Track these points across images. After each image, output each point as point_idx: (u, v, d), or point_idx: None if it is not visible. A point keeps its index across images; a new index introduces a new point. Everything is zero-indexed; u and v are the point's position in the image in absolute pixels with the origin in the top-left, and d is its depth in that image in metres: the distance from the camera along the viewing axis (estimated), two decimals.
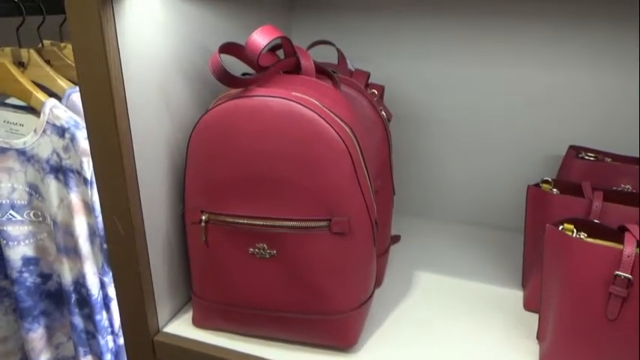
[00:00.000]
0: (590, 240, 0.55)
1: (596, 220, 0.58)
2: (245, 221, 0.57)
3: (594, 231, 0.57)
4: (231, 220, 0.58)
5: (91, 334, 0.79)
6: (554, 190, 0.68)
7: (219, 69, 0.53)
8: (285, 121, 0.53)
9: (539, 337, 0.63)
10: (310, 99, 0.55)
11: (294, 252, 0.57)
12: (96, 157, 0.56)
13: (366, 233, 0.58)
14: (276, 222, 0.56)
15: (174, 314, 0.69)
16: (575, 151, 0.76)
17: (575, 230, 0.56)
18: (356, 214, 0.56)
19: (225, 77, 0.54)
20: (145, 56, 0.56)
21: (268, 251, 0.58)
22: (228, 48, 0.56)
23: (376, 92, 0.72)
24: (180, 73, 0.63)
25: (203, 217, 0.59)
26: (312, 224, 0.56)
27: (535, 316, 0.69)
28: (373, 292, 0.64)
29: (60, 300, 0.80)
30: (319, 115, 0.53)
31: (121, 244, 0.60)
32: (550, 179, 0.68)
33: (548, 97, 0.84)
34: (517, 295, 0.74)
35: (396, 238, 0.87)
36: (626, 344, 0.52)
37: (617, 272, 0.51)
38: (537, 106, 0.85)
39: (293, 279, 0.58)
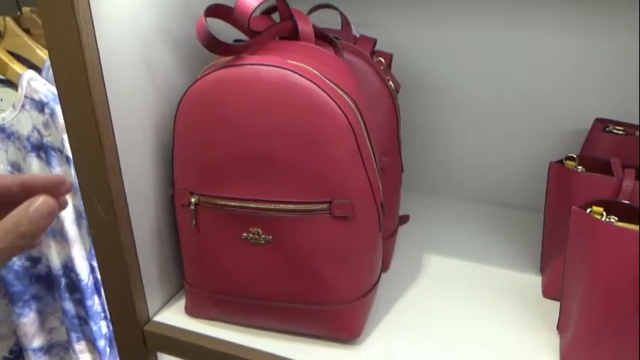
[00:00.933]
0: (621, 224, 0.49)
1: (627, 202, 0.52)
2: (237, 204, 0.52)
3: (625, 214, 0.51)
4: (222, 202, 0.53)
5: (83, 320, 0.75)
6: (579, 167, 0.61)
7: (204, 34, 0.47)
8: (279, 92, 0.47)
9: (560, 327, 0.57)
10: (308, 68, 0.49)
11: (292, 237, 0.52)
12: (71, 134, 0.51)
13: (371, 217, 0.53)
14: (271, 205, 0.51)
15: (166, 302, 0.65)
16: (601, 124, 0.69)
17: (604, 213, 0.51)
18: (359, 196, 0.51)
19: (211, 44, 0.48)
20: (123, 20, 0.50)
21: (263, 236, 0.53)
22: (216, 10, 0.50)
23: (383, 61, 0.65)
24: (166, 40, 0.57)
25: (192, 200, 0.54)
26: (311, 207, 0.50)
27: (555, 305, 0.64)
28: (379, 280, 0.59)
29: (51, 284, 0.76)
30: (318, 86, 0.47)
31: (104, 229, 0.55)
32: (574, 155, 0.62)
33: (572, 64, 0.77)
34: (535, 281, 0.69)
35: (404, 218, 0.82)
36: None
37: None
38: (560, 75, 0.78)
39: (290, 266, 0.53)
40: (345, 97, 0.49)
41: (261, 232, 0.53)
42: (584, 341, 0.52)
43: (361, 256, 0.54)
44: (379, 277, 0.59)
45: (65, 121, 0.50)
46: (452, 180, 0.92)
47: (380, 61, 0.65)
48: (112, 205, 0.53)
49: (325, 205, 0.50)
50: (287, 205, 0.51)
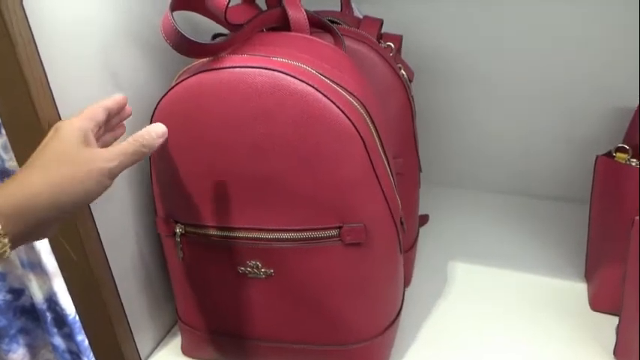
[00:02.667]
0: None
1: None
2: (230, 234, 0.44)
3: None
4: (212, 233, 0.44)
5: (76, 354, 0.69)
6: (634, 160, 0.52)
7: (171, 33, 0.38)
8: (268, 100, 0.38)
9: (619, 353, 0.49)
10: (303, 66, 0.39)
11: (296, 270, 0.43)
12: (21, 162, 0.42)
13: (390, 240, 0.44)
14: (269, 234, 0.43)
15: (161, 339, 0.57)
16: None
17: None
18: (374, 218, 0.42)
19: (181, 44, 0.38)
20: (75, 27, 0.41)
21: (263, 270, 0.44)
22: (184, 2, 0.41)
23: (392, 45, 0.55)
24: (133, 43, 0.48)
25: (178, 230, 0.45)
26: (317, 234, 0.42)
27: (607, 320, 0.55)
28: (402, 307, 0.50)
29: (38, 316, 0.69)
30: (316, 89, 0.38)
31: (76, 271, 0.47)
32: (627, 146, 0.52)
33: (606, 37, 0.66)
34: (579, 290, 0.60)
35: (423, 219, 0.73)
36: None
37: None
38: (592, 49, 0.67)
39: (298, 303, 0.45)
40: (351, 99, 0.40)
41: (260, 265, 0.44)
42: None
43: (381, 286, 0.45)
44: (402, 304, 0.50)
45: (15, 154, 0.41)
46: (473, 170, 0.82)
47: (389, 46, 0.55)
48: (82, 244, 0.45)
49: (334, 232, 0.42)
50: (288, 233, 0.42)
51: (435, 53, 0.74)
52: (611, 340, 0.52)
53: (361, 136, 0.39)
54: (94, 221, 0.45)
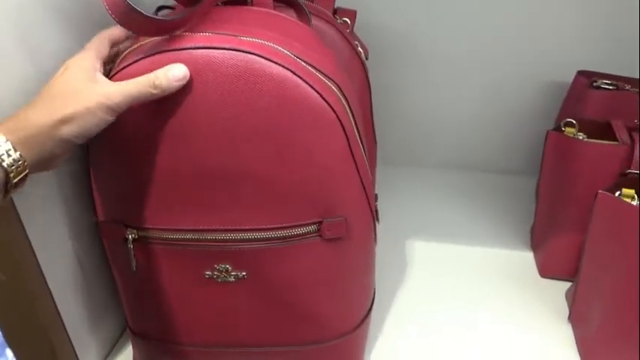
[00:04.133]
0: None
1: None
2: (195, 236, 0.39)
3: None
4: (173, 236, 0.39)
5: None
6: (580, 134, 0.54)
7: (118, 5, 0.31)
8: (240, 85, 0.34)
9: (574, 319, 0.52)
10: (275, 46, 0.35)
11: (272, 270, 0.40)
12: None
13: (367, 231, 0.42)
14: (241, 234, 0.39)
15: (108, 353, 0.51)
16: (586, 78, 0.62)
17: (635, 196, 0.43)
18: (354, 210, 0.40)
19: (131, 20, 0.32)
20: None
21: (234, 273, 0.40)
22: None
23: (349, 21, 0.52)
24: (59, 15, 0.40)
25: (130, 236, 0.40)
26: (295, 232, 0.39)
27: (555, 284, 0.58)
28: (374, 298, 0.49)
29: None
30: (293, 72, 0.34)
31: (5, 290, 0.39)
32: (574, 121, 0.54)
33: (542, 12, 0.67)
34: (526, 258, 0.62)
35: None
36: None
37: None
38: (528, 24, 0.69)
39: (273, 305, 0.42)
40: (329, 82, 0.37)
41: (230, 268, 0.40)
42: (613, 336, 0.46)
43: (358, 278, 0.44)
44: (374, 292, 0.49)
45: None
46: (421, 147, 0.82)
47: (345, 22, 0.52)
48: (11, 256, 0.38)
49: (313, 227, 0.39)
50: (263, 232, 0.38)
51: (385, 29, 0.72)
52: (562, 304, 0.55)
53: (341, 122, 0.36)
54: (23, 227, 0.38)
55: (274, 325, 0.42)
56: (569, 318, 0.52)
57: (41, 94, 0.34)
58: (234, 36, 0.34)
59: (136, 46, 0.37)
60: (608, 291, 0.44)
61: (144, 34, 0.34)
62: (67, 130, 0.32)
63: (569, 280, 0.56)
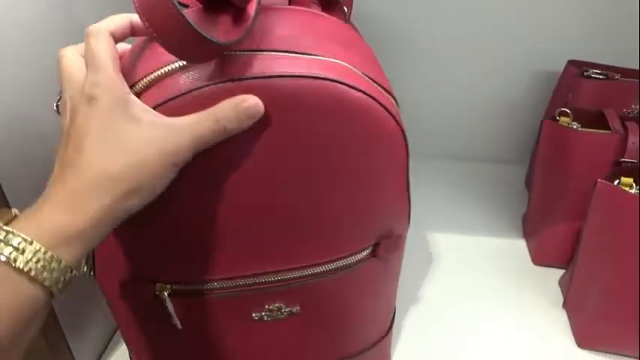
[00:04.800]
0: None
1: None
2: (246, 282, 0.34)
3: None
4: (219, 285, 0.34)
5: None
6: (574, 124, 0.55)
7: (172, 24, 0.24)
8: (328, 122, 0.29)
9: (569, 306, 0.52)
10: (347, 66, 0.31)
11: (326, 300, 0.37)
12: None
13: (404, 240, 0.40)
14: (299, 272, 0.35)
15: (104, 349, 0.50)
16: (576, 68, 0.63)
17: (634, 184, 0.44)
18: (404, 224, 0.38)
19: (191, 44, 0.25)
20: None
21: (287, 310, 0.37)
22: None
23: (346, 9, 0.51)
24: (69, 34, 0.38)
25: (164, 293, 0.34)
26: (354, 259, 0.36)
27: (550, 273, 0.59)
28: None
29: None
30: (375, 100, 0.30)
31: None
32: (568, 110, 0.55)
33: (532, 2, 0.68)
34: (519, 246, 0.63)
35: None
36: None
37: None
38: (520, 13, 0.69)
39: (322, 330, 0.39)
40: (391, 99, 0.34)
41: (284, 306, 0.36)
42: (609, 322, 0.47)
43: (393, 286, 0.43)
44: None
45: None
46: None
47: (342, 8, 0.51)
48: None
49: (369, 250, 0.37)
50: (322, 266, 0.35)
51: (376, 17, 0.71)
52: (556, 291, 0.56)
53: (405, 143, 0.34)
54: None
55: (323, 350, 0.40)
56: (564, 304, 0.53)
57: (68, 159, 0.25)
58: (309, 56, 0.29)
59: (167, 69, 0.29)
60: (606, 278, 0.45)
61: (203, 61, 0.28)
62: (128, 206, 0.25)
63: (562, 268, 0.57)
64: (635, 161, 0.50)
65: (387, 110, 0.31)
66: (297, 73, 0.28)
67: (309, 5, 0.36)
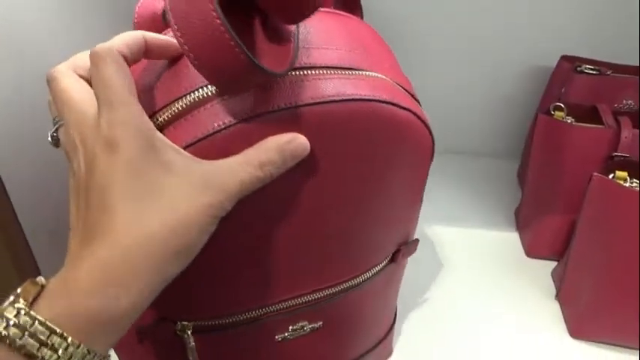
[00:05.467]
0: None
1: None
2: (273, 308, 0.33)
3: (638, 172, 0.46)
4: (243, 317, 0.32)
5: None
6: (569, 118, 0.55)
7: (223, 46, 0.21)
8: (371, 140, 0.28)
9: (563, 297, 0.53)
10: (389, 81, 0.29)
11: (347, 312, 0.37)
12: None
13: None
14: (326, 291, 0.34)
15: None
16: (570, 63, 0.63)
17: (628, 178, 0.45)
18: (416, 226, 0.38)
19: (242, 70, 0.21)
20: None
21: (310, 327, 0.36)
22: None
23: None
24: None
25: (187, 332, 0.31)
26: (376, 269, 0.36)
27: (543, 265, 0.59)
28: None
29: None
30: (415, 115, 0.29)
31: None
32: (562, 105, 0.56)
33: None
34: (512, 239, 0.64)
35: None
36: None
37: None
38: (513, 7, 0.70)
39: (338, 339, 0.39)
40: (420, 107, 0.32)
41: (307, 323, 0.35)
42: (603, 313, 0.48)
43: (400, 282, 0.43)
44: None
45: None
46: None
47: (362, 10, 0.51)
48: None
49: (389, 257, 0.37)
50: (347, 282, 0.34)
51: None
52: (548, 283, 0.57)
53: (433, 152, 0.33)
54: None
55: (333, 354, 0.40)
56: (557, 296, 0.54)
57: (92, 223, 0.21)
58: (347, 72, 0.27)
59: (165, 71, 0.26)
60: (600, 270, 0.46)
61: (239, 92, 0.24)
62: (169, 274, 0.22)
63: (554, 260, 0.58)
64: (628, 155, 0.51)
65: (425, 125, 0.30)
66: (348, 97, 0.25)
67: (330, 5, 0.33)
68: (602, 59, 0.63)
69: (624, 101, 0.62)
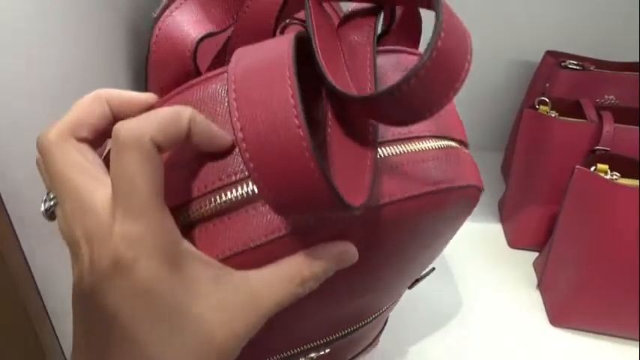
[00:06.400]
0: (632, 183, 0.45)
1: (628, 156, 0.48)
2: (290, 353, 0.31)
3: (619, 165, 0.48)
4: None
5: None
6: (553, 112, 0.57)
7: (307, 176, 0.17)
8: (445, 223, 0.27)
9: (544, 286, 0.55)
10: (465, 151, 0.30)
11: (355, 339, 0.36)
12: None
13: None
14: (351, 327, 0.33)
15: None
16: (554, 58, 0.65)
17: (608, 170, 0.46)
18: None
19: (332, 209, 0.18)
20: None
21: (317, 355, 0.33)
22: None
23: None
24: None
25: None
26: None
27: (525, 255, 0.61)
28: None
29: None
30: (478, 187, 0.29)
31: None
32: (546, 99, 0.57)
33: None
34: (496, 230, 0.66)
35: None
36: None
37: None
38: (501, 6, 0.71)
39: (342, 355, 0.38)
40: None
41: (315, 355, 0.33)
42: (581, 302, 0.49)
43: None
44: None
45: None
46: None
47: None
48: None
49: None
50: (372, 317, 0.34)
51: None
52: (530, 272, 0.59)
53: None
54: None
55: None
56: (539, 285, 0.56)
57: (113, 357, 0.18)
58: (440, 141, 0.24)
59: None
60: (580, 259, 0.48)
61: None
62: None
63: (536, 250, 0.60)
64: (610, 149, 0.52)
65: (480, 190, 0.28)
66: (444, 187, 0.23)
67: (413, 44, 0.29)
68: (586, 55, 0.65)
69: (606, 96, 0.64)
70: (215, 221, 0.20)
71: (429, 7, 0.22)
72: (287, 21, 0.25)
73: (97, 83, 0.38)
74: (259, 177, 0.16)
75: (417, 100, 0.18)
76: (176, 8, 0.24)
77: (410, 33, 0.29)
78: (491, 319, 0.53)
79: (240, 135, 0.16)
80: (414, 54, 0.27)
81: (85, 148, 0.20)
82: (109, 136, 0.19)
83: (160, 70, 0.24)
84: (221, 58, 0.26)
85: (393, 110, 0.18)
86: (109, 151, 0.22)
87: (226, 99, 0.21)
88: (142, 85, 0.27)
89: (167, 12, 0.24)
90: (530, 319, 0.53)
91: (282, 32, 0.26)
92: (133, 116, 0.19)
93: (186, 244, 0.19)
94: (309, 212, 0.18)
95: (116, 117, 0.21)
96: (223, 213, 0.20)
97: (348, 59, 0.23)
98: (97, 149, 0.21)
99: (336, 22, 0.25)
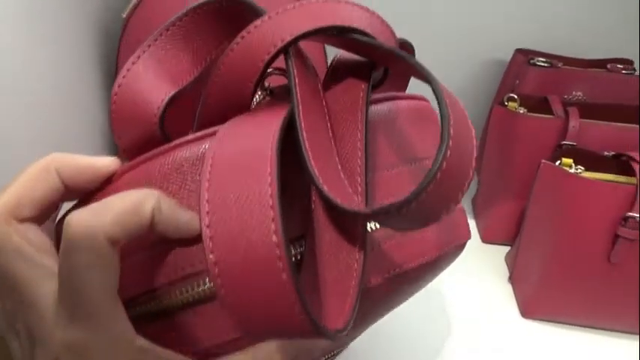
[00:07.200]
0: (595, 176, 0.46)
1: (593, 150, 0.50)
2: None
3: (584, 159, 0.49)
4: None
5: None
6: (521, 108, 0.58)
7: (285, 304, 0.15)
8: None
9: (515, 279, 0.56)
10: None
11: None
12: None
13: None
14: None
15: None
16: (524, 56, 0.66)
17: (573, 164, 0.48)
18: None
19: (309, 335, 0.16)
20: None
21: None
22: None
23: None
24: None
25: None
26: None
27: (497, 250, 0.62)
28: None
29: None
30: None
31: None
32: (515, 96, 0.58)
33: None
34: (469, 226, 0.66)
35: None
36: (625, 287, 0.47)
37: (629, 214, 0.44)
38: (473, 4, 0.72)
39: None
40: None
41: None
42: (549, 294, 0.51)
43: None
44: None
45: None
46: None
47: None
48: None
49: None
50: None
51: None
52: (502, 266, 0.60)
53: None
54: None
55: None
56: (510, 278, 0.57)
57: None
58: None
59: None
60: (547, 251, 0.49)
61: None
62: None
63: (508, 245, 0.61)
64: (575, 143, 0.53)
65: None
66: (442, 252, 0.24)
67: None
68: (555, 52, 0.66)
69: (574, 92, 0.65)
70: (179, 313, 0.19)
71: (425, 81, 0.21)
72: (269, 70, 0.22)
73: (67, 83, 0.38)
74: (226, 295, 0.15)
75: (421, 213, 0.17)
76: (138, 57, 0.21)
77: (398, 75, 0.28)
78: (464, 313, 0.53)
79: (209, 245, 0.15)
80: (405, 98, 0.26)
81: (30, 230, 0.18)
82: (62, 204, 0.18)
83: (122, 131, 0.21)
84: (186, 116, 0.23)
85: (391, 223, 0.18)
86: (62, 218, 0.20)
87: (197, 178, 0.19)
88: (111, 83, 0.27)
89: (128, 63, 0.21)
90: (501, 312, 0.54)
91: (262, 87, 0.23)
92: (90, 186, 0.19)
93: (141, 341, 0.17)
94: (280, 337, 0.16)
95: (69, 188, 0.19)
96: (189, 305, 0.19)
97: (338, 142, 0.21)
98: (47, 220, 0.19)
99: (319, 64, 0.24)
